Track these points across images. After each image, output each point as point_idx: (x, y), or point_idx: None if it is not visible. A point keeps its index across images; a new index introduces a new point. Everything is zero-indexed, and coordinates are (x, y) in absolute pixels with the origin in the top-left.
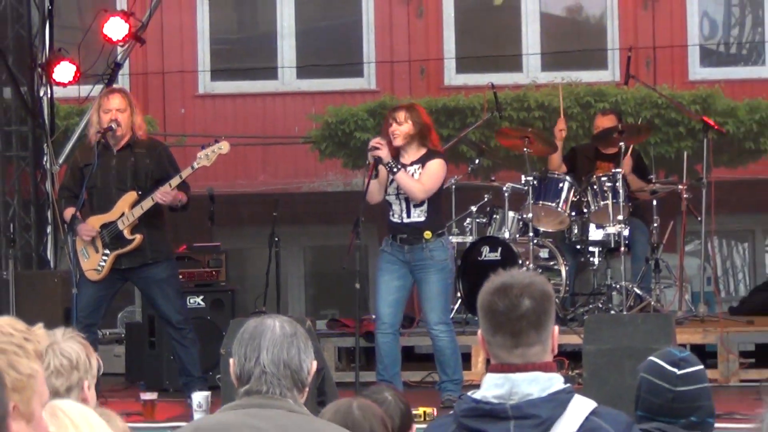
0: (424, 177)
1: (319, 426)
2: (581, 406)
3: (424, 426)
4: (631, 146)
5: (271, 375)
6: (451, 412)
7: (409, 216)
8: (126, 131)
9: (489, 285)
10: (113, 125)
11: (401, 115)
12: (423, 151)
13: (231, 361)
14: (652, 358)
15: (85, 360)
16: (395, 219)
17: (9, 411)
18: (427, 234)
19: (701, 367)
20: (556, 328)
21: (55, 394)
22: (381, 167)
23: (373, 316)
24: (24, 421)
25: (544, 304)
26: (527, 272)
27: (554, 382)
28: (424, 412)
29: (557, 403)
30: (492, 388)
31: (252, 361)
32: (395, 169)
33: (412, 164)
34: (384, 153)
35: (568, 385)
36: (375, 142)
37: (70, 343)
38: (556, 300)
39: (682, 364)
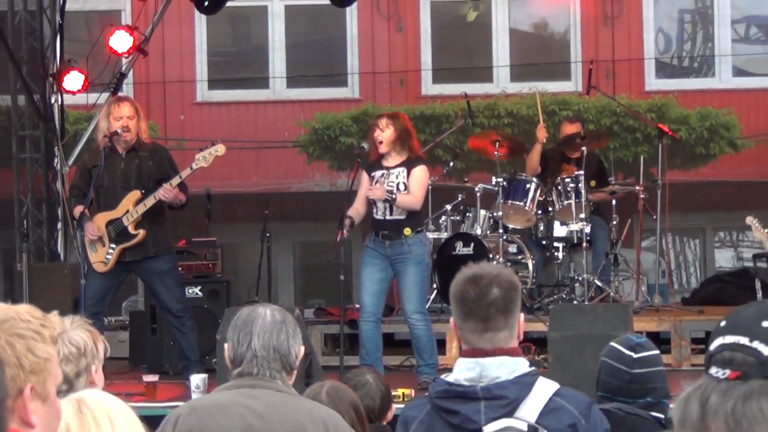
0: (414, 188)
1: (304, 405)
2: (545, 388)
3: (402, 406)
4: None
5: (262, 358)
6: (426, 393)
7: (391, 214)
8: (134, 136)
9: (461, 276)
10: (122, 131)
11: (383, 122)
12: (405, 155)
13: (225, 345)
14: (611, 343)
15: (92, 346)
16: (378, 216)
17: (9, 393)
18: (407, 231)
19: (656, 351)
20: (522, 315)
21: (65, 380)
22: (363, 173)
23: (357, 306)
24: (40, 402)
25: (511, 293)
26: (496, 265)
27: (520, 365)
28: (403, 393)
29: (523, 385)
30: (464, 371)
31: (244, 346)
32: (394, 198)
33: (396, 167)
34: (379, 193)
35: (533, 368)
36: (370, 192)
37: (77, 332)
38: (524, 291)
39: (638, 349)
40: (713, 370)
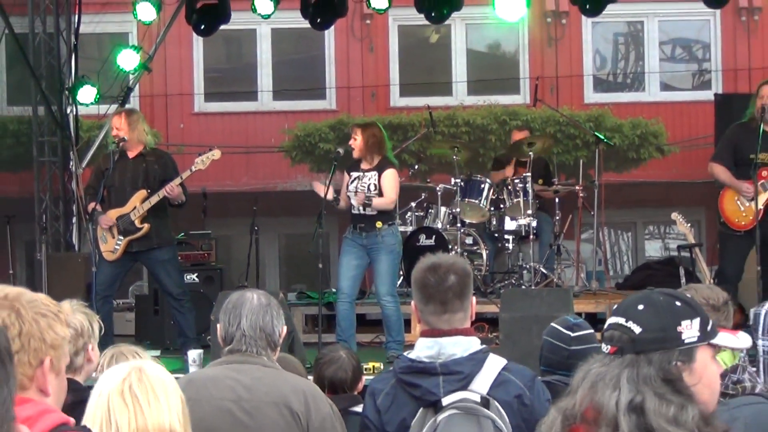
0: (387, 190)
1: (287, 378)
2: (495, 364)
3: (373, 377)
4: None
5: (250, 337)
6: (391, 368)
7: (365, 210)
8: (134, 142)
9: (421, 264)
10: (119, 140)
11: (356, 132)
12: (378, 159)
13: (218, 326)
14: (552, 324)
15: (88, 327)
16: (356, 212)
17: (11, 350)
18: (379, 224)
19: (592, 331)
20: (474, 299)
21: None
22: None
23: (334, 290)
24: (54, 375)
25: (465, 279)
26: (452, 255)
27: (473, 343)
28: (373, 366)
29: (476, 361)
30: (424, 349)
31: (234, 326)
32: (371, 201)
33: (369, 170)
34: (359, 201)
35: (485, 346)
36: (354, 201)
37: (75, 315)
38: (479, 277)
39: (576, 329)
40: (603, 347)
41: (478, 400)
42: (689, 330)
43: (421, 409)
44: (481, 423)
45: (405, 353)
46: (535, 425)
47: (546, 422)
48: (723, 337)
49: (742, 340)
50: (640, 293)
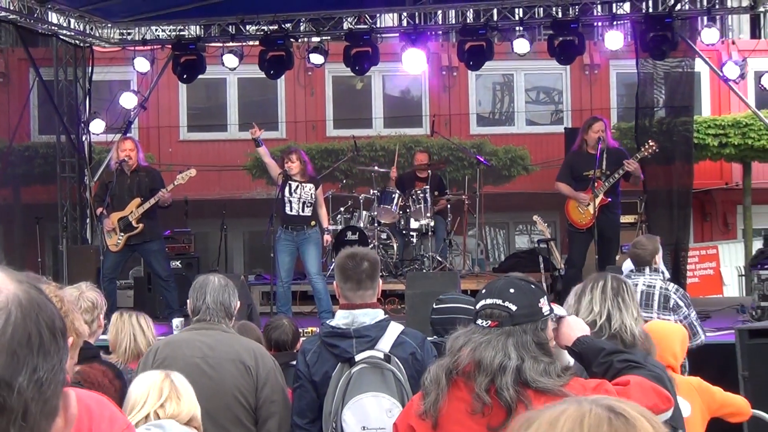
0: (321, 199)
1: (240, 340)
2: (395, 329)
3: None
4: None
5: (212, 310)
6: (317, 333)
7: (303, 211)
8: (134, 161)
9: (342, 253)
10: (126, 159)
11: (293, 156)
12: (307, 176)
13: (188, 300)
14: (439, 297)
15: (99, 302)
16: (292, 213)
17: (65, 330)
18: (312, 224)
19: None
20: (380, 281)
21: (85, 322)
22: (291, 182)
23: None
24: (69, 356)
25: (375, 266)
26: (366, 248)
27: (379, 314)
28: (312, 330)
29: (380, 327)
30: (341, 318)
31: (200, 301)
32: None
33: (305, 183)
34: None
35: (387, 316)
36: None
37: (90, 292)
38: (391, 263)
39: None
40: (479, 321)
41: (382, 357)
42: (545, 306)
43: (339, 364)
44: (384, 374)
45: (327, 321)
46: None
47: (429, 376)
48: (556, 308)
49: (561, 309)
50: (503, 278)
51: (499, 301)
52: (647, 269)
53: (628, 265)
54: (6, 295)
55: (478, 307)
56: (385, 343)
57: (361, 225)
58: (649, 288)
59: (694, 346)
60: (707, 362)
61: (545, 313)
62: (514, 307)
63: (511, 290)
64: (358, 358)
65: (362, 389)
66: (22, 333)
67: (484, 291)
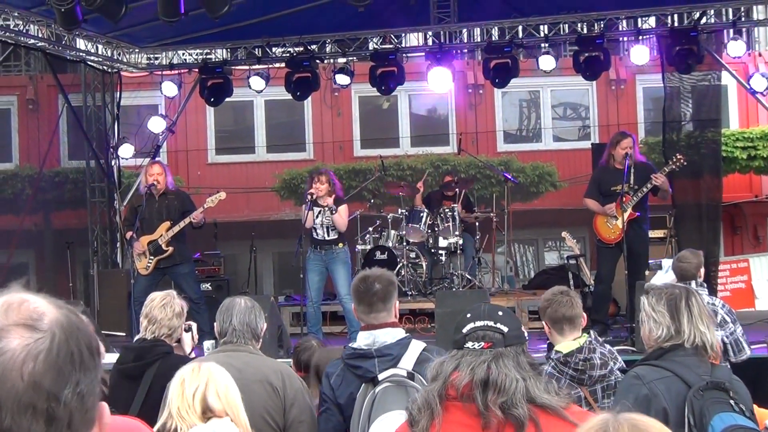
0: (344, 216)
1: (267, 362)
2: (417, 347)
3: None
4: (464, 191)
5: (239, 332)
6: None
7: (328, 236)
8: (163, 185)
9: (357, 276)
10: (155, 183)
11: (323, 178)
12: (333, 197)
13: (215, 323)
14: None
15: (184, 311)
16: (319, 238)
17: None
18: (340, 245)
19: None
20: (398, 301)
21: (174, 328)
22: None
23: None
24: None
25: (388, 288)
26: (380, 270)
27: (399, 332)
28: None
29: (402, 345)
30: (363, 339)
31: (227, 323)
32: (334, 212)
33: (326, 209)
34: (329, 201)
35: (408, 334)
36: (323, 201)
37: (177, 300)
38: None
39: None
40: (469, 344)
41: (405, 374)
42: (525, 330)
43: (363, 384)
44: (409, 392)
45: (350, 344)
46: None
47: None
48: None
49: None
50: (485, 304)
51: (491, 323)
52: (693, 283)
53: (656, 279)
54: (50, 318)
55: (465, 330)
56: (408, 361)
57: (390, 244)
58: None
59: (740, 361)
60: (739, 376)
61: (527, 338)
62: (506, 329)
63: (500, 313)
64: (381, 377)
65: (387, 408)
66: (66, 352)
67: (469, 315)
